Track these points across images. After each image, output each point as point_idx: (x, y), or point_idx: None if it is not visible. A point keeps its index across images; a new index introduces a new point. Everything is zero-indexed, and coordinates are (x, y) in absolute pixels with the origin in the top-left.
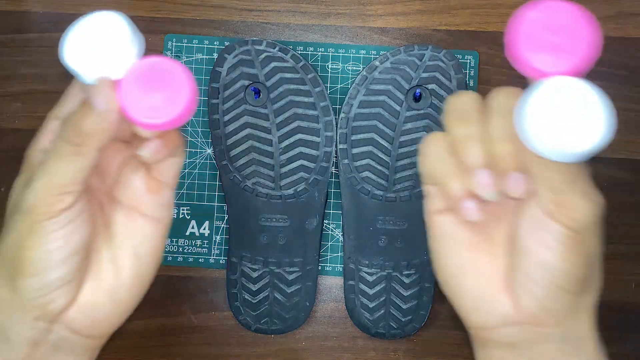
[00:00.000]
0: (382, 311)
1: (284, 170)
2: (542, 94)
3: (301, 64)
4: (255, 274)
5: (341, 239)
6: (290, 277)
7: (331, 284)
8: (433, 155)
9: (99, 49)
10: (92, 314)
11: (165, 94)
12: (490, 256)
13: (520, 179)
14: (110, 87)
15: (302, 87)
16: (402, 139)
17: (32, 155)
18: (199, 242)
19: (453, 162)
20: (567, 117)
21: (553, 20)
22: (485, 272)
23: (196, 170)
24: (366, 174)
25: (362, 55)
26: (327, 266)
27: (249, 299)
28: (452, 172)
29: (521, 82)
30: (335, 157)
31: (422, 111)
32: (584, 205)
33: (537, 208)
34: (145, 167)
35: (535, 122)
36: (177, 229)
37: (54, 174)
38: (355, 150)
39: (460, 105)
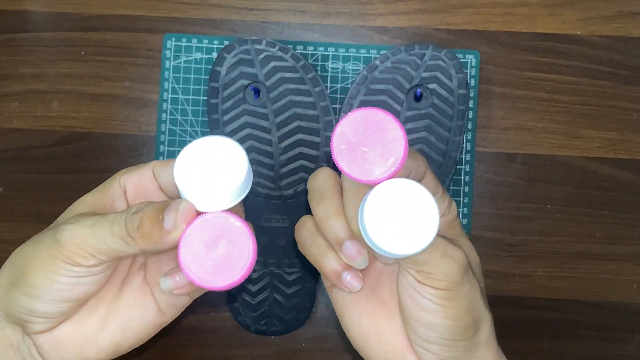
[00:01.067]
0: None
1: (283, 170)
2: (371, 206)
3: (301, 63)
4: (255, 275)
5: None
6: (290, 278)
7: None
8: (304, 240)
9: (215, 175)
10: (59, 351)
11: (227, 258)
12: (388, 319)
13: None
14: (185, 220)
15: (302, 87)
16: None
17: (88, 203)
18: None
19: (322, 243)
20: (396, 221)
21: (361, 130)
22: (387, 337)
23: None
24: None
25: (362, 55)
26: None
27: (249, 300)
28: (322, 253)
29: (521, 82)
30: None
31: (423, 111)
32: (445, 267)
33: (409, 276)
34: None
35: (371, 230)
36: None
37: (95, 236)
38: None
39: (317, 184)
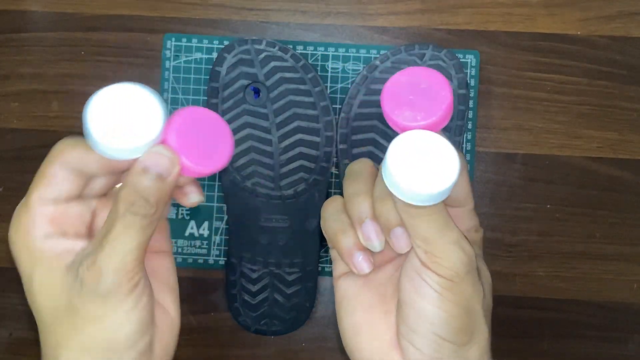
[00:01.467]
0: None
1: (283, 170)
2: (398, 145)
3: (301, 63)
4: (254, 275)
5: None
6: (290, 278)
7: (331, 285)
8: (328, 215)
9: (131, 119)
10: None
11: (210, 140)
12: (383, 314)
13: (402, 233)
14: (170, 149)
15: (302, 87)
16: None
17: (29, 244)
18: (198, 242)
19: (345, 220)
20: (419, 163)
21: (415, 84)
22: (378, 331)
23: None
24: None
25: (362, 55)
26: (327, 267)
27: (249, 300)
28: (342, 229)
29: (521, 82)
30: (335, 157)
31: None
32: (453, 254)
33: (414, 259)
34: None
35: (393, 168)
36: (176, 229)
37: (127, 250)
38: (355, 151)
39: (354, 168)
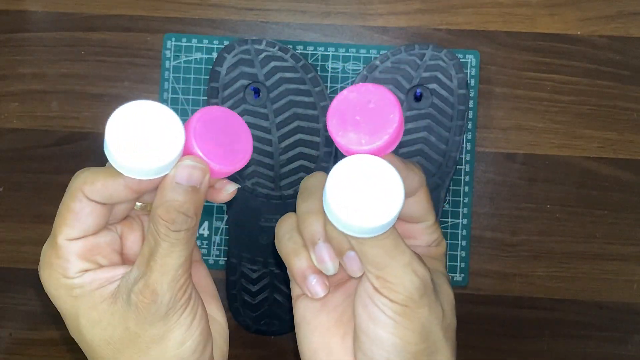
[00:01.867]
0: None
1: (283, 170)
2: (337, 173)
3: (301, 63)
4: (255, 275)
5: None
6: None
7: None
8: (281, 235)
9: (149, 139)
10: None
11: (230, 136)
12: (340, 338)
13: (355, 257)
14: (199, 159)
15: (302, 87)
16: (403, 139)
17: (66, 285)
18: (198, 242)
19: (298, 240)
20: (360, 193)
21: (363, 102)
22: (335, 356)
23: None
24: None
25: (362, 55)
26: None
27: (249, 300)
28: (295, 249)
29: (521, 82)
30: (335, 157)
31: (423, 111)
32: (406, 278)
33: (367, 283)
34: None
35: (332, 201)
36: None
37: (176, 267)
38: None
39: (308, 184)
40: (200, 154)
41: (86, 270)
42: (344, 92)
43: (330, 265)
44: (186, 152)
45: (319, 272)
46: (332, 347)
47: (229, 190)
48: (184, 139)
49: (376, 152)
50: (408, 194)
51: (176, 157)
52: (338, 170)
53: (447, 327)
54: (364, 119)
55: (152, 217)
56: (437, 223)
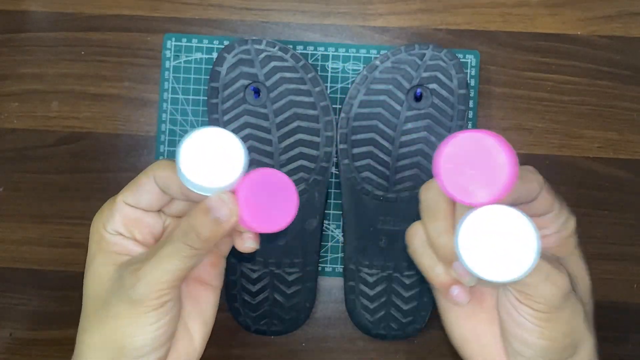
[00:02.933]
0: (383, 312)
1: (283, 170)
2: (467, 229)
3: (301, 63)
4: (254, 275)
5: (341, 239)
6: (290, 278)
7: (331, 285)
8: (415, 249)
9: (215, 162)
10: None
11: (279, 203)
12: (487, 324)
13: None
14: (234, 201)
15: (302, 87)
16: (403, 139)
17: (101, 233)
18: None
19: (433, 255)
20: (493, 246)
21: (469, 153)
22: (484, 342)
23: None
24: (366, 174)
25: (362, 55)
26: (327, 267)
27: (249, 300)
28: (432, 265)
29: (521, 82)
30: (335, 157)
31: (423, 111)
32: (546, 291)
33: (509, 293)
34: None
35: (467, 255)
36: None
37: (168, 270)
38: (355, 150)
39: (429, 202)
40: (240, 199)
41: (120, 234)
42: (446, 148)
43: (469, 280)
44: (234, 191)
45: (459, 283)
46: (480, 332)
47: (246, 243)
48: (237, 177)
49: (497, 201)
50: (531, 199)
51: (223, 187)
52: (467, 226)
53: (589, 314)
54: (476, 171)
55: (181, 221)
56: (561, 204)
